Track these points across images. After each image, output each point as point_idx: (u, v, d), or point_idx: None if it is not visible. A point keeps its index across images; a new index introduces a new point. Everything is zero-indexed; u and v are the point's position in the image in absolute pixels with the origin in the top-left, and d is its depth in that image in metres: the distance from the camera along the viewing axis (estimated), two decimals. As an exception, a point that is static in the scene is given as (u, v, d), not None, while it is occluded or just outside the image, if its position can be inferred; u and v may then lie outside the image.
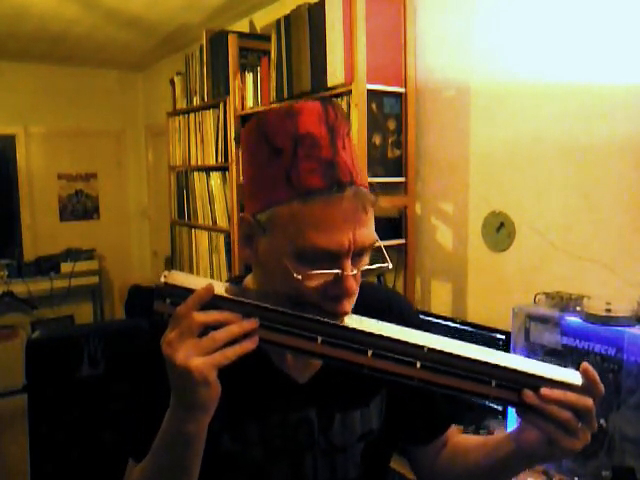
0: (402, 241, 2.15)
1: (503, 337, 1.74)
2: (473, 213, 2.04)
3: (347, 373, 0.78)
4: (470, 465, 0.86)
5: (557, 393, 0.65)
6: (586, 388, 0.66)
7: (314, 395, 0.83)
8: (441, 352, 0.67)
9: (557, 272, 1.75)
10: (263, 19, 3.08)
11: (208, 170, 3.13)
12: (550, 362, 0.72)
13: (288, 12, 2.26)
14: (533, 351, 1.53)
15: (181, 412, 0.65)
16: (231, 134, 2.81)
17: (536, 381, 0.66)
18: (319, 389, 0.83)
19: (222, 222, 2.99)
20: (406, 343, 0.67)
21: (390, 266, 0.73)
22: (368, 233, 0.68)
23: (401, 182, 2.15)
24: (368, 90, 1.98)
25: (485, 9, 1.93)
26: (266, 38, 2.52)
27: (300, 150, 0.65)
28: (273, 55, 2.38)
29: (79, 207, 4.79)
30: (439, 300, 2.18)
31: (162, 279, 0.68)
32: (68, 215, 4.73)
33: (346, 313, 0.70)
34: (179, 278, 0.68)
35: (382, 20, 2.05)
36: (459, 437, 0.94)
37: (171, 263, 3.82)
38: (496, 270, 1.96)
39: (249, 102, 2.67)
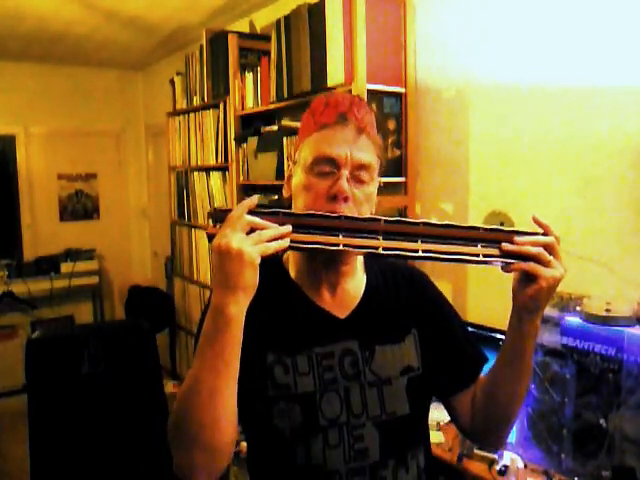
0: (402, 241, 2.15)
1: (503, 337, 1.73)
2: (473, 213, 2.04)
3: (380, 311, 0.98)
4: (500, 383, 0.98)
5: (527, 237, 0.85)
6: (545, 233, 0.86)
7: (354, 329, 0.94)
8: (435, 224, 0.84)
9: (557, 272, 1.75)
10: (263, 19, 3.08)
11: (208, 170, 3.13)
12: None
13: (288, 12, 2.26)
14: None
15: (224, 296, 0.76)
16: (231, 134, 2.81)
17: (508, 235, 0.86)
18: (358, 324, 0.95)
19: (222, 222, 2.98)
20: (407, 222, 0.83)
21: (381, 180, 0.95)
22: (365, 156, 0.89)
23: (401, 182, 2.15)
24: (368, 90, 1.98)
25: (485, 9, 1.94)
26: (266, 38, 2.52)
27: (326, 108, 0.92)
28: (273, 55, 2.37)
29: (79, 207, 4.79)
30: (439, 300, 2.18)
31: (210, 209, 0.87)
32: (68, 215, 4.73)
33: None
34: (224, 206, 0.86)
35: (382, 20, 2.05)
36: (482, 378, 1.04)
37: (171, 263, 3.82)
38: (496, 270, 1.96)
39: (249, 102, 2.67)
